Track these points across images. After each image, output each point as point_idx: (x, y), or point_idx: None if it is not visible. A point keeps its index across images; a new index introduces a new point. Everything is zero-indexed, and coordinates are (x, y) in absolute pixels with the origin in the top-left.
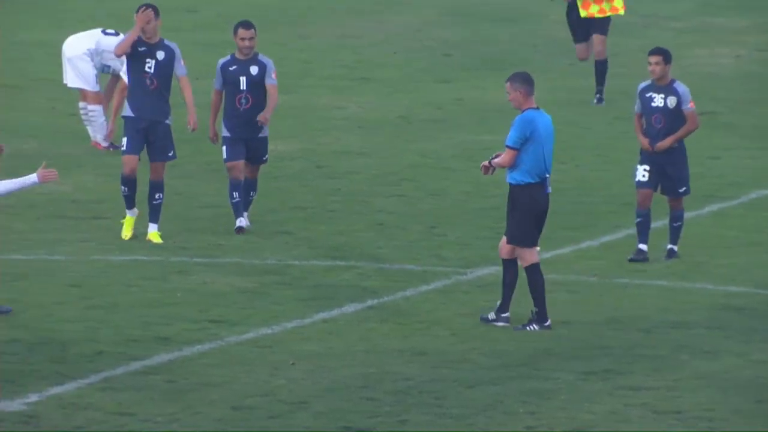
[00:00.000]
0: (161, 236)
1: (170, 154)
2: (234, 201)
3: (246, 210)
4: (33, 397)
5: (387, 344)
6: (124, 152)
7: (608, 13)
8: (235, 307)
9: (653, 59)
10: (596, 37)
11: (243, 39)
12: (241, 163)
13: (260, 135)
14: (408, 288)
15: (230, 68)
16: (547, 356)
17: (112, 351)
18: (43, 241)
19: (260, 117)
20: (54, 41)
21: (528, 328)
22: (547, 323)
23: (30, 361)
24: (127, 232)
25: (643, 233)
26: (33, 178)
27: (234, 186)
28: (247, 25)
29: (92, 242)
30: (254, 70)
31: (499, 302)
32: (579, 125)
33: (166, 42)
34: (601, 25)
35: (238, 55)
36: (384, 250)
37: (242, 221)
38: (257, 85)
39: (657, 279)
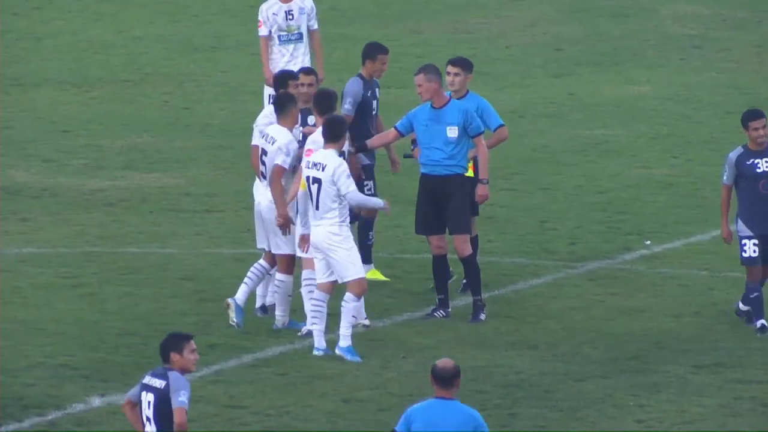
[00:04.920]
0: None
1: None
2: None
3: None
4: None
5: (497, 337)
6: None
7: None
8: None
9: (759, 123)
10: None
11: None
12: None
13: None
14: (518, 281)
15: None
16: (657, 350)
17: (225, 344)
18: (156, 235)
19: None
20: (167, 36)
21: (436, 314)
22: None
23: (144, 354)
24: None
25: (758, 308)
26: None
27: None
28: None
29: (205, 235)
30: None
31: (441, 297)
32: (691, 120)
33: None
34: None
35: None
36: (495, 244)
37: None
38: None
39: None
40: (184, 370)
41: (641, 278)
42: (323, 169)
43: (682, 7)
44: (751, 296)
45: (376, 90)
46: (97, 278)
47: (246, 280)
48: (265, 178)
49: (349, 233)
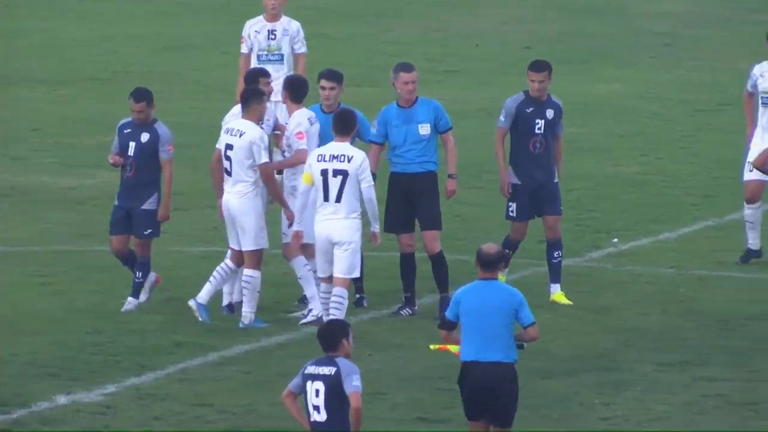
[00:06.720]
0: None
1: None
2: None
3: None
4: (111, 388)
5: None
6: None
7: None
8: None
9: None
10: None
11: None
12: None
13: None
14: None
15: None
16: (623, 348)
17: (191, 342)
18: None
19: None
20: (138, 34)
21: (403, 312)
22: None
23: (112, 352)
24: None
25: None
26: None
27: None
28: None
29: (172, 234)
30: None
31: (408, 295)
32: (661, 118)
33: (156, 125)
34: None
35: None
36: (463, 242)
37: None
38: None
39: (735, 271)
40: (347, 356)
41: (609, 276)
42: (349, 161)
43: (653, 5)
44: None
45: (547, 111)
46: (67, 276)
47: (210, 279)
48: (230, 174)
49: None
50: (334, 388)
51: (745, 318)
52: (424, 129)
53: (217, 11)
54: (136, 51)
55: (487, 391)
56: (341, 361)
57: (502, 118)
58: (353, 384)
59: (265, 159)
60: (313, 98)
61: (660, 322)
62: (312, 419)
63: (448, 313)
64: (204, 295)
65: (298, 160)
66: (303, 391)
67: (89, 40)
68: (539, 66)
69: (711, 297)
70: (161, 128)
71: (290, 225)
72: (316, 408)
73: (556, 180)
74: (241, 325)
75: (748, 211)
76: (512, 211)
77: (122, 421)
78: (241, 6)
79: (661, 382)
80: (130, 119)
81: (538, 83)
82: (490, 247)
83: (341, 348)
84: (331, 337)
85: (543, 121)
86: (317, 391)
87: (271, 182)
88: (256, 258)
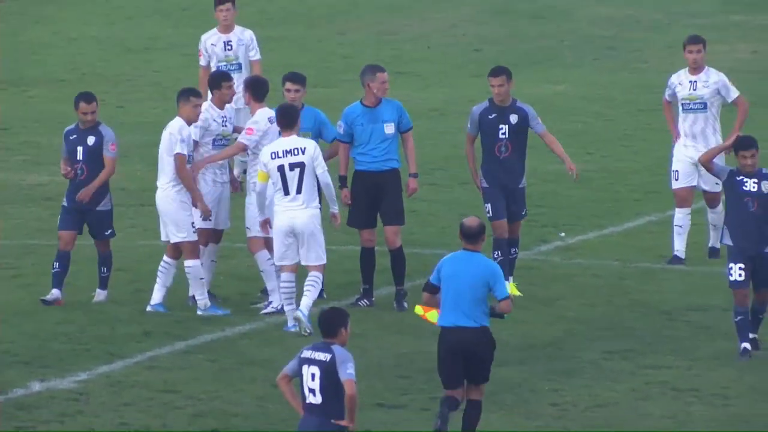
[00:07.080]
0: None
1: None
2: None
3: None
4: (83, 376)
5: (419, 325)
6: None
7: None
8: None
9: (747, 153)
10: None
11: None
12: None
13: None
14: None
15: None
16: (572, 337)
17: (159, 331)
18: None
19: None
20: (102, 37)
21: (361, 303)
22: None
23: (81, 341)
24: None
25: (744, 329)
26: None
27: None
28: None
29: (139, 228)
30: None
31: (367, 287)
32: (604, 117)
33: (101, 127)
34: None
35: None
36: (417, 236)
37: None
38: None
39: (677, 264)
40: (343, 344)
41: (556, 269)
42: (303, 152)
43: (597, 9)
44: (735, 319)
45: (510, 116)
46: (36, 269)
47: (156, 279)
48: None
49: None
50: (329, 374)
51: (687, 309)
52: (389, 128)
53: (176, 15)
54: (101, 53)
55: (458, 354)
56: (337, 348)
57: (468, 125)
58: (347, 372)
59: (178, 150)
60: (273, 99)
61: (606, 312)
62: (307, 401)
63: (432, 278)
64: (156, 296)
65: (232, 152)
66: (298, 374)
67: (55, 43)
68: (496, 71)
69: (654, 289)
70: (105, 129)
71: (204, 218)
72: (312, 391)
73: (522, 185)
74: (199, 313)
75: (679, 215)
76: (488, 212)
77: (94, 407)
78: (200, 11)
79: (607, 369)
80: (74, 125)
81: (498, 87)
82: (472, 221)
83: (339, 336)
84: (330, 324)
85: (507, 126)
86: (313, 375)
87: (181, 173)
88: (189, 248)
